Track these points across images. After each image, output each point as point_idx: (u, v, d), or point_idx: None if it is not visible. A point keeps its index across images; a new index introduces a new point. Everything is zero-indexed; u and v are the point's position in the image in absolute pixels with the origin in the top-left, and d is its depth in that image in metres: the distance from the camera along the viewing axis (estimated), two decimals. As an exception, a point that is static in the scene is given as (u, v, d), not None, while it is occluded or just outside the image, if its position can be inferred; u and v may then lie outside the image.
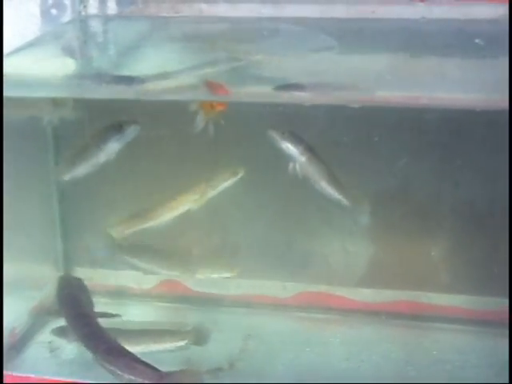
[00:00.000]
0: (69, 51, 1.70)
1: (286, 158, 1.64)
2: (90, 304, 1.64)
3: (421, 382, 1.62)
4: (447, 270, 1.84)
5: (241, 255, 1.86)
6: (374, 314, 1.86)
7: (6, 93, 1.42)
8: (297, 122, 1.62)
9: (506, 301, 1.66)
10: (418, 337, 1.79)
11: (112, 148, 1.62)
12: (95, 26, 1.79)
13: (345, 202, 1.69)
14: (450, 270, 1.84)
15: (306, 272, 1.87)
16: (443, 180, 1.75)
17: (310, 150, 1.65)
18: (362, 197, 1.72)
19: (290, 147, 1.63)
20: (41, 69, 1.54)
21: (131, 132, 1.61)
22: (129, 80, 1.48)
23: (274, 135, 1.63)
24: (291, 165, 1.65)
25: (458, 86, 1.48)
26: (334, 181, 1.68)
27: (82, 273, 1.93)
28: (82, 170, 1.67)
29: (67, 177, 1.69)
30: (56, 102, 1.67)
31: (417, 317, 1.84)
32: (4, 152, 1.71)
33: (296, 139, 1.64)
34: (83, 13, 1.74)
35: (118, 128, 1.60)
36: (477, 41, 1.58)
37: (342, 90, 1.48)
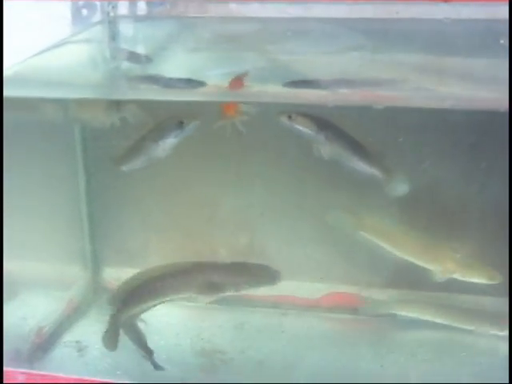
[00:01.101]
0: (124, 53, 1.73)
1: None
2: None
3: (417, 382, 1.62)
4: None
5: (270, 256, 1.86)
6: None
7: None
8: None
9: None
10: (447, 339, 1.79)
11: (170, 144, 1.59)
12: (123, 26, 1.80)
13: (379, 173, 1.58)
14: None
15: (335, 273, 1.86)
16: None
17: (327, 126, 1.50)
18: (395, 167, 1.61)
19: (303, 129, 1.49)
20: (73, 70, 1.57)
21: (190, 128, 1.58)
22: (192, 83, 1.49)
23: (284, 120, 1.49)
24: (314, 147, 1.52)
25: (479, 86, 1.48)
26: (362, 153, 1.55)
27: (110, 273, 1.96)
28: (139, 163, 1.64)
29: (124, 168, 1.67)
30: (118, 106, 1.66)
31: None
32: (32, 153, 1.73)
33: (308, 119, 1.49)
34: (112, 13, 1.75)
35: (177, 124, 1.57)
36: (502, 41, 1.57)
37: (360, 89, 1.48)
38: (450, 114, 1.53)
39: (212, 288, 1.66)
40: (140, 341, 1.67)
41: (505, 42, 1.51)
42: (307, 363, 1.69)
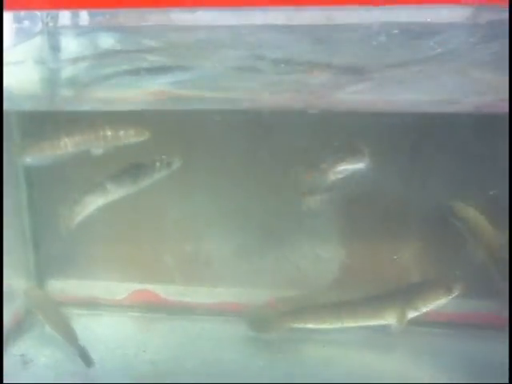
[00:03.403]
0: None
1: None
2: None
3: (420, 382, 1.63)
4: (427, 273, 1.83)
5: (216, 263, 1.86)
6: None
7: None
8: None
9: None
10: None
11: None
12: (64, 36, 1.79)
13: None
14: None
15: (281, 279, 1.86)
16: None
17: None
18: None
19: None
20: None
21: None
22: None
23: None
24: None
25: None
26: None
27: (53, 284, 1.93)
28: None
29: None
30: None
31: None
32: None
33: None
34: (51, 24, 1.75)
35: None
36: (431, 43, 1.60)
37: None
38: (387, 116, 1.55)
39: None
40: (71, 339, 1.70)
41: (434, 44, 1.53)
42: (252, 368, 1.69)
